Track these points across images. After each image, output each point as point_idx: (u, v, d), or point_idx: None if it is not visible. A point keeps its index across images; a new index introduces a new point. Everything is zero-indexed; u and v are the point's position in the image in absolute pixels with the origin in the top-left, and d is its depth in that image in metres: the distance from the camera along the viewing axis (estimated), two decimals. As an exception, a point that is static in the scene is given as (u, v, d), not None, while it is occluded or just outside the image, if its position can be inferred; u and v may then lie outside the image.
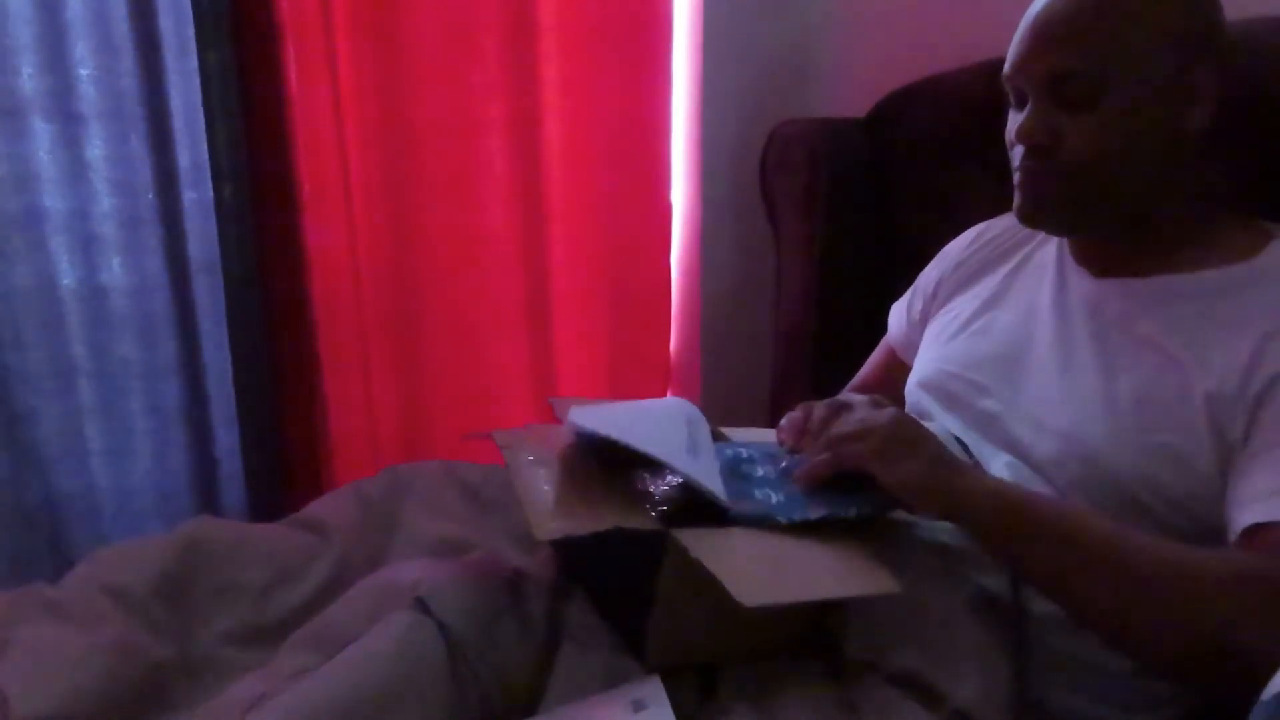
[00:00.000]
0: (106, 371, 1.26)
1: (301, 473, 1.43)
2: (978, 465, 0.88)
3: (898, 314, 1.18)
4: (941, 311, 1.07)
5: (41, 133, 1.21)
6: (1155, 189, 0.85)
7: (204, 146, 1.29)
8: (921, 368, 1.03)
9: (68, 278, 1.26)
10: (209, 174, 1.30)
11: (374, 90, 1.41)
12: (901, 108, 1.34)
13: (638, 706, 0.70)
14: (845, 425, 0.79)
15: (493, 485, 1.05)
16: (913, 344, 1.13)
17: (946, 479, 0.76)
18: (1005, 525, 0.75)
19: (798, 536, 0.75)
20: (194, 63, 1.27)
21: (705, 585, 0.65)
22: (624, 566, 0.77)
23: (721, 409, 0.90)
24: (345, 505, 0.99)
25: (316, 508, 1.00)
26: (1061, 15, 0.82)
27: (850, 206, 1.32)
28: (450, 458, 1.10)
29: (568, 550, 0.84)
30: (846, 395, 0.87)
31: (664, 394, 1.70)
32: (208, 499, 1.38)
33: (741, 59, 1.62)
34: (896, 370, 1.16)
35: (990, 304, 1.00)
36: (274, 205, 1.35)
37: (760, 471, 0.83)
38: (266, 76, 1.32)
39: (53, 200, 1.24)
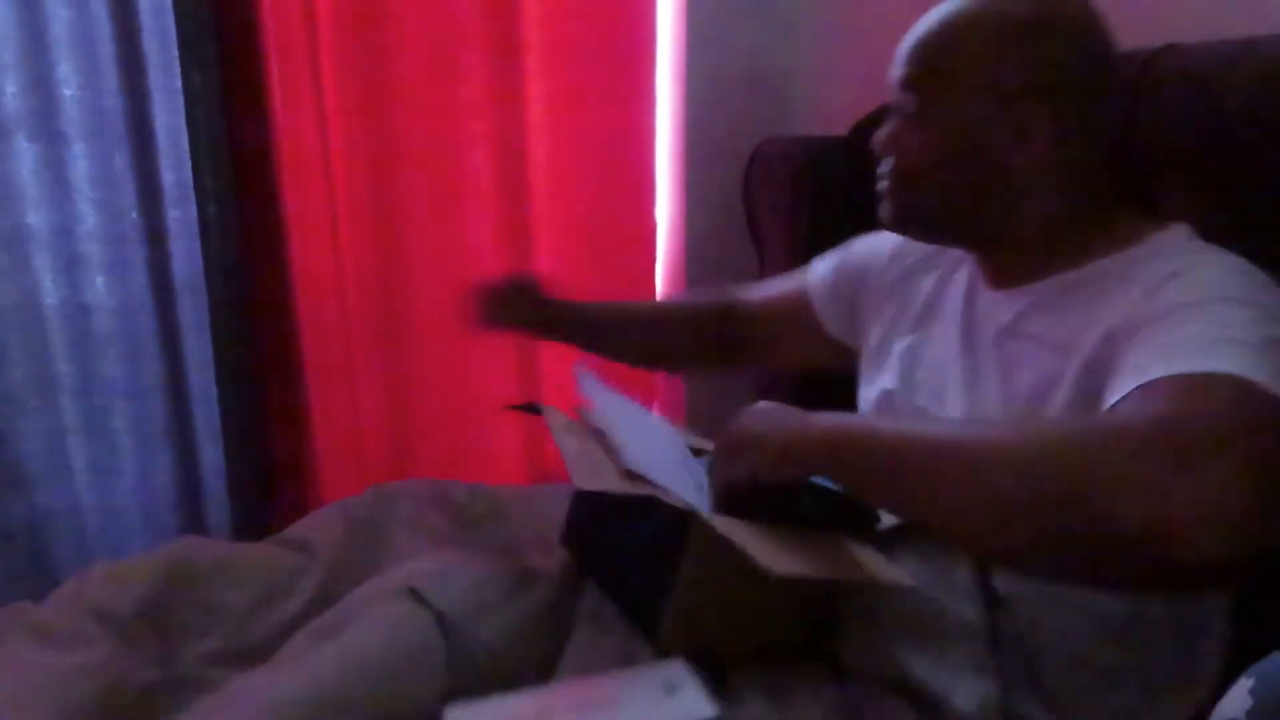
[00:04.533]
0: (90, 390, 1.26)
1: (287, 490, 1.43)
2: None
3: (821, 272, 1.16)
4: (871, 330, 1.06)
5: (25, 151, 1.21)
6: (998, 213, 0.86)
7: (188, 165, 1.30)
8: (864, 404, 1.04)
9: (51, 296, 1.25)
10: (193, 192, 1.31)
11: (358, 108, 1.42)
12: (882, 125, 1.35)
13: (670, 689, 0.69)
14: (722, 471, 0.79)
15: (479, 503, 1.06)
16: (827, 314, 1.13)
17: (778, 441, 0.74)
18: (866, 458, 0.71)
19: (813, 530, 0.75)
20: (178, 82, 1.27)
21: (728, 572, 0.67)
22: (647, 547, 0.79)
23: (706, 423, 0.91)
24: (331, 524, 0.99)
25: (302, 527, 1.00)
26: (913, 35, 0.87)
27: (832, 223, 1.33)
28: (437, 474, 1.11)
29: (587, 535, 0.85)
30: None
31: (650, 408, 1.70)
32: (192, 517, 1.38)
33: (725, 77, 1.64)
34: (799, 310, 1.16)
35: (916, 328, 1.00)
36: (259, 223, 1.35)
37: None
38: (251, 96, 1.32)
39: (36, 218, 1.24)
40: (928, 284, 1.01)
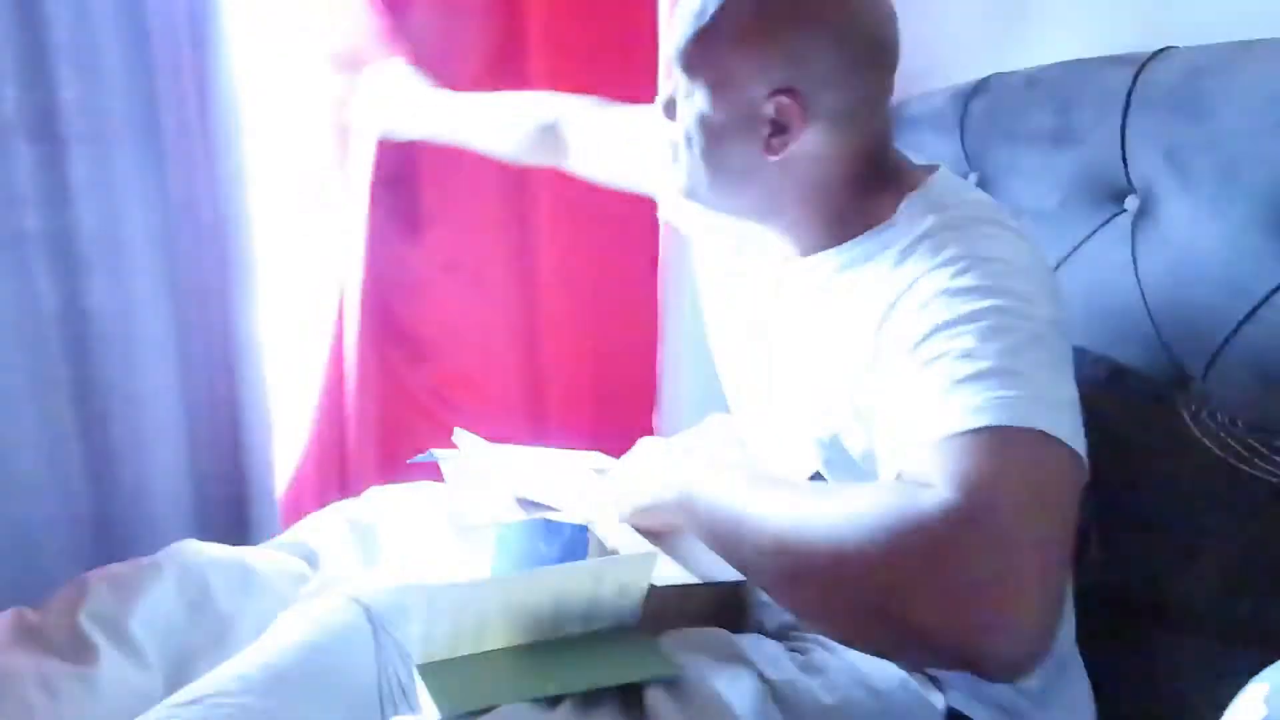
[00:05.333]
0: (89, 394, 1.25)
1: (289, 493, 1.42)
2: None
3: (638, 159, 1.15)
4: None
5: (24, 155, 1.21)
6: (749, 197, 0.87)
7: (193, 167, 1.29)
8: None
9: (50, 300, 1.25)
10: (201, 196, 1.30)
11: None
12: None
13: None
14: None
15: (479, 508, 1.05)
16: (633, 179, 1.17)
17: (641, 493, 0.84)
18: (707, 537, 0.77)
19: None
20: (189, 85, 1.27)
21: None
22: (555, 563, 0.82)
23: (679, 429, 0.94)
24: (330, 527, 0.99)
25: (302, 530, 1.00)
26: (685, 7, 0.84)
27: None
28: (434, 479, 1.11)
29: (509, 556, 0.87)
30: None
31: (652, 411, 1.70)
32: (191, 522, 1.37)
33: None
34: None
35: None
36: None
37: None
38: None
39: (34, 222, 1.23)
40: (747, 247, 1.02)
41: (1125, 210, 1.03)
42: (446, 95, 1.32)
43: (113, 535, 1.26)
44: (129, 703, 0.78)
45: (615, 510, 0.86)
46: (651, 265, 1.63)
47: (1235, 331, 0.92)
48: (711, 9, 0.81)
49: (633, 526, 0.86)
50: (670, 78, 0.87)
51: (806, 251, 0.89)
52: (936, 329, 0.70)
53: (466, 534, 0.85)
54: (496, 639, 0.67)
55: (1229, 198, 0.92)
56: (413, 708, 0.70)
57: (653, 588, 0.74)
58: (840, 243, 0.85)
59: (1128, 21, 0.87)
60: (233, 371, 1.35)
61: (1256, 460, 0.84)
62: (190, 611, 0.87)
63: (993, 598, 0.57)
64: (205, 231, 1.30)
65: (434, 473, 1.43)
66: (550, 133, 1.25)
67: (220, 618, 0.87)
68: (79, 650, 0.80)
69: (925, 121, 1.28)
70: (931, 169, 0.86)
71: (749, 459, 0.96)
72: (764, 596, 0.85)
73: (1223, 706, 0.56)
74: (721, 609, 0.84)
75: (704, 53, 0.82)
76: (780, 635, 0.84)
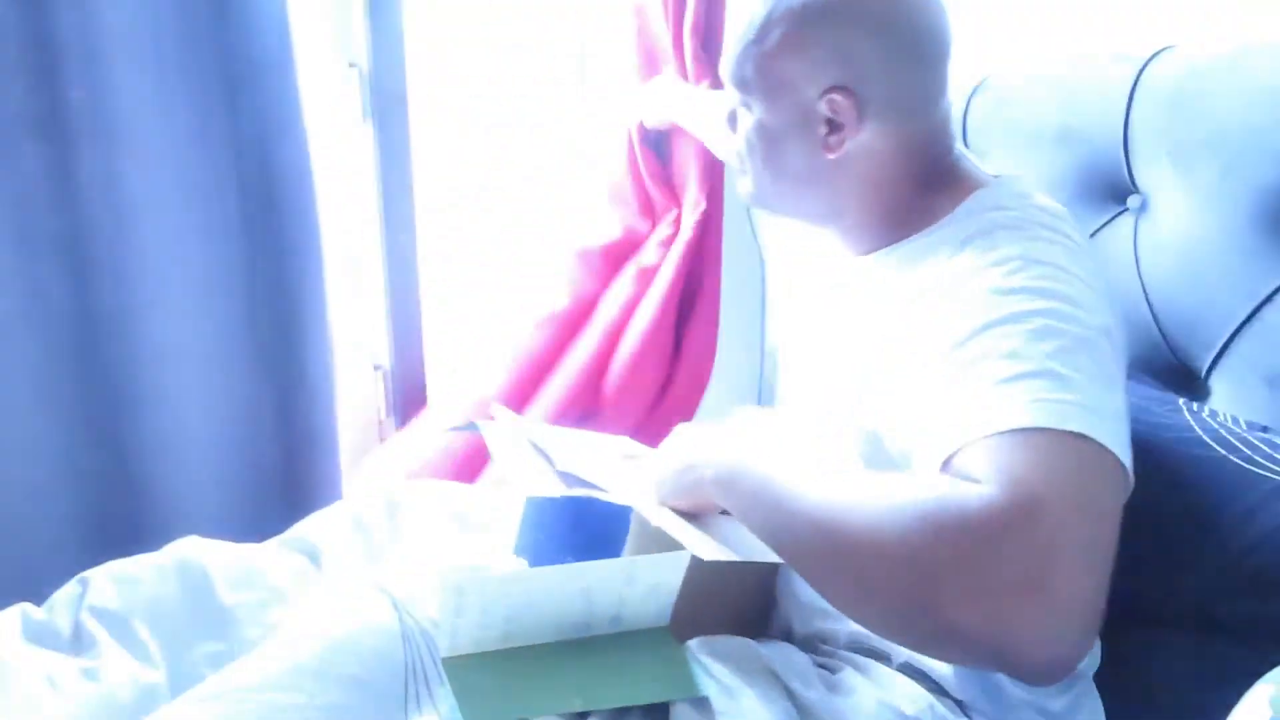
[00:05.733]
0: (98, 393, 1.25)
1: (294, 492, 1.42)
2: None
3: None
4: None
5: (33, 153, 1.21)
6: (817, 198, 0.89)
7: (210, 167, 1.29)
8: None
9: (60, 299, 1.25)
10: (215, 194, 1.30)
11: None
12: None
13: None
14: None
15: (482, 507, 1.06)
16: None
17: (696, 487, 0.81)
18: (746, 517, 0.77)
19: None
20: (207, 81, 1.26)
21: None
22: (590, 543, 0.81)
23: (713, 420, 0.93)
24: (335, 525, 0.99)
25: (306, 527, 1.00)
26: (736, 26, 0.88)
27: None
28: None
29: (535, 544, 0.87)
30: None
31: (658, 406, 1.70)
32: (197, 517, 1.38)
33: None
34: None
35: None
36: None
37: None
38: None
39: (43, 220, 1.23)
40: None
41: (1127, 209, 1.03)
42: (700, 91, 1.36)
43: (118, 533, 1.26)
44: (132, 697, 0.78)
45: (656, 491, 0.84)
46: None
47: (1238, 330, 0.92)
48: (758, 21, 0.84)
49: (672, 508, 0.84)
50: (728, 93, 0.90)
51: (866, 251, 0.90)
52: (987, 326, 0.69)
53: (502, 487, 0.84)
54: (524, 635, 0.66)
55: (1232, 197, 0.92)
56: (437, 700, 0.70)
57: (694, 560, 0.72)
58: (899, 240, 0.86)
59: (1127, 22, 0.87)
60: (245, 369, 1.35)
61: (1259, 459, 0.84)
62: (193, 607, 0.87)
63: (1030, 599, 0.57)
64: (219, 231, 1.30)
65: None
66: None
67: (223, 614, 0.87)
68: (83, 645, 0.81)
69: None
70: (1005, 175, 0.86)
71: (789, 448, 0.95)
72: (799, 598, 0.84)
73: (1227, 708, 0.56)
74: (756, 593, 0.84)
75: (755, 64, 0.85)
76: (808, 644, 0.82)
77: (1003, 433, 0.63)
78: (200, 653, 0.84)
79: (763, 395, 1.55)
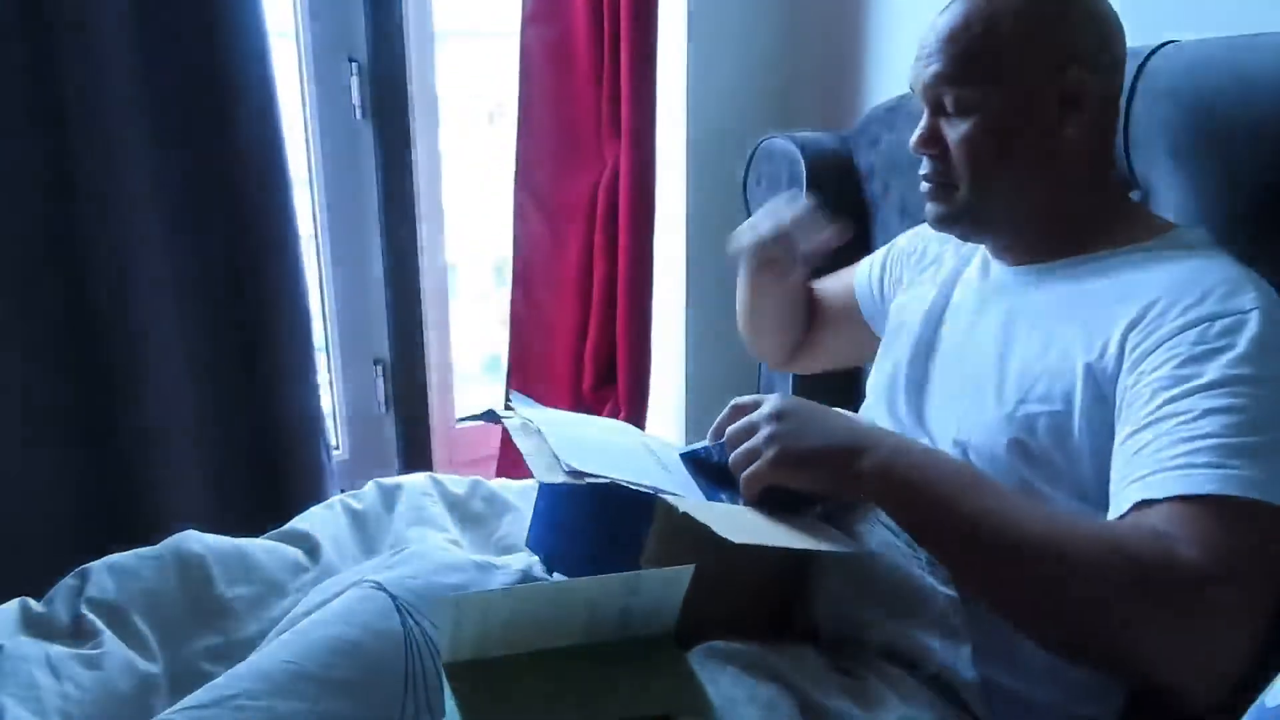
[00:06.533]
0: (95, 389, 1.25)
1: (289, 487, 1.43)
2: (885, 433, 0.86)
3: (865, 274, 1.20)
4: (892, 309, 1.09)
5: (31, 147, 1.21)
6: (1039, 188, 0.88)
7: (208, 164, 1.29)
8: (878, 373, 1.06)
9: (56, 295, 1.25)
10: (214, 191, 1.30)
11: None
12: (883, 123, 1.35)
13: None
14: (738, 444, 0.82)
15: (478, 498, 1.06)
16: (870, 313, 1.19)
17: (846, 471, 0.78)
18: (901, 509, 0.77)
19: (772, 511, 0.80)
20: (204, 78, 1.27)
21: (689, 548, 0.69)
22: (611, 532, 0.80)
23: (708, 423, 0.92)
24: (332, 518, 0.99)
25: (303, 520, 1.00)
26: (943, 27, 0.87)
27: (833, 221, 1.34)
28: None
29: (549, 537, 0.86)
30: (740, 399, 0.88)
31: (646, 411, 1.70)
32: (198, 511, 1.38)
33: (725, 75, 1.64)
34: (850, 308, 1.21)
35: (931, 308, 1.01)
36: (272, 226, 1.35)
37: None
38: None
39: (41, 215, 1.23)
40: (944, 264, 1.04)
41: (1128, 204, 1.03)
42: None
43: (117, 527, 1.26)
44: (131, 687, 0.78)
45: (758, 464, 0.79)
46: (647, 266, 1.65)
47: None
48: (983, 10, 0.84)
49: (771, 482, 0.80)
50: (928, 109, 0.89)
51: (1029, 261, 0.92)
52: (1224, 381, 0.72)
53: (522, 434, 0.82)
54: (526, 642, 0.66)
55: (1232, 193, 0.92)
56: (435, 705, 0.69)
57: (714, 545, 0.70)
58: (1082, 251, 0.88)
59: (1130, 15, 0.87)
60: (242, 360, 1.35)
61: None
62: (191, 600, 0.87)
63: (1212, 653, 0.65)
64: (218, 225, 1.30)
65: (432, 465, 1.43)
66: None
67: (221, 607, 0.87)
68: (82, 637, 0.81)
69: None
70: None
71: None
72: (835, 599, 0.80)
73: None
74: (775, 583, 0.81)
75: (988, 48, 0.84)
76: (834, 647, 0.79)
77: (1218, 497, 0.67)
78: (198, 646, 0.84)
79: (761, 386, 1.55)
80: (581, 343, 1.64)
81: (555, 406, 0.91)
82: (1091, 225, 0.89)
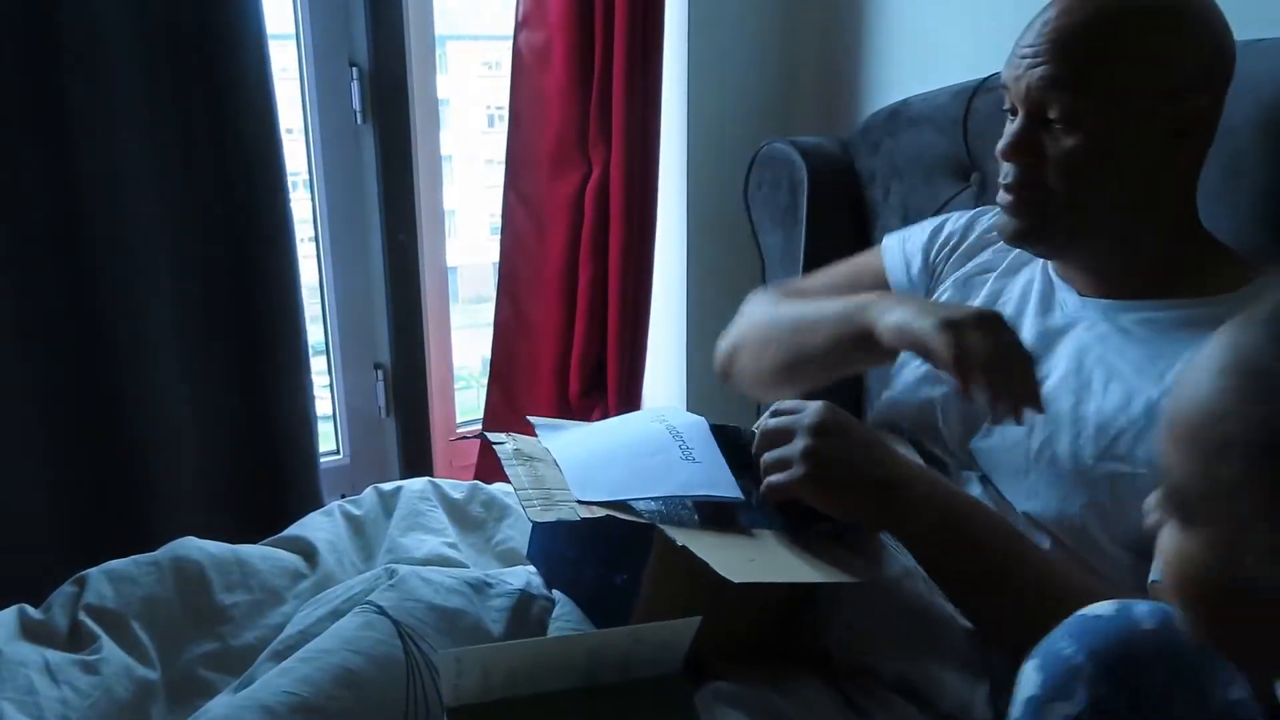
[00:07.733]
0: (95, 392, 1.25)
1: (283, 496, 1.42)
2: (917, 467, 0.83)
3: (895, 255, 1.07)
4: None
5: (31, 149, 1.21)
6: (1138, 216, 0.82)
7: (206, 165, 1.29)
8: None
9: (56, 297, 1.25)
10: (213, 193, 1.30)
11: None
12: (884, 128, 1.35)
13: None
14: (770, 452, 0.77)
15: (476, 503, 1.06)
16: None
17: (879, 503, 0.76)
18: (938, 554, 0.76)
19: (772, 539, 0.77)
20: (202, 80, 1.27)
21: (687, 579, 0.68)
22: (609, 564, 0.79)
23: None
24: (330, 524, 0.99)
25: (301, 527, 1.00)
26: (1056, 32, 0.78)
27: (832, 225, 1.33)
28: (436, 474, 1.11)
29: (550, 552, 0.85)
30: (782, 403, 0.82)
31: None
32: (194, 516, 1.38)
33: (726, 81, 1.63)
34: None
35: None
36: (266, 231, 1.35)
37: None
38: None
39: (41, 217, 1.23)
40: (997, 269, 0.96)
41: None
42: None
43: (115, 534, 1.26)
44: (129, 693, 0.78)
45: (787, 477, 0.75)
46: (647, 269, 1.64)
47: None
48: (1098, 22, 0.77)
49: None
50: (1025, 113, 0.81)
51: (1108, 294, 0.85)
52: None
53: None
54: (529, 687, 0.67)
55: (1233, 194, 0.92)
56: None
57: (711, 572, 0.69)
58: (1167, 295, 0.81)
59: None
60: (238, 361, 1.35)
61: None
62: (189, 608, 0.87)
63: None
64: (217, 228, 1.30)
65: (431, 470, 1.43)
66: None
67: (218, 614, 0.87)
68: (81, 643, 0.81)
69: (928, 120, 1.27)
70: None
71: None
72: (851, 627, 0.79)
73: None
74: (776, 609, 0.80)
75: (1115, 58, 0.76)
76: (845, 676, 0.77)
77: None
78: (196, 652, 0.84)
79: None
80: (567, 348, 1.64)
81: (539, 415, 0.90)
82: (1181, 267, 0.82)
